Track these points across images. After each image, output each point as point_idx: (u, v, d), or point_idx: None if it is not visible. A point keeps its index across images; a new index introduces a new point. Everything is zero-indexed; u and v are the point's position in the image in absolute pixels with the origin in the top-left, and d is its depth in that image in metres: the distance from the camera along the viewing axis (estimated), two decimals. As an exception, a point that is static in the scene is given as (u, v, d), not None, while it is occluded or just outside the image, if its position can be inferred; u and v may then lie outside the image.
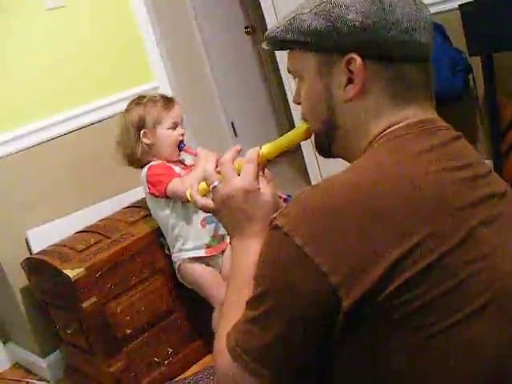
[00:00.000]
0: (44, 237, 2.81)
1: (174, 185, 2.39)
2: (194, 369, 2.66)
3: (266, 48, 1.12)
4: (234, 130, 5.07)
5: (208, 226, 2.49)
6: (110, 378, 2.50)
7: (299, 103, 1.12)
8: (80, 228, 2.82)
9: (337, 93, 1.01)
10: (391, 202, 0.87)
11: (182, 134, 2.49)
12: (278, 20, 3.87)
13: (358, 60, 0.96)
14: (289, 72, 1.11)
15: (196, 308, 2.63)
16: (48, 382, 2.96)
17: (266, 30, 3.73)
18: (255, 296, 0.93)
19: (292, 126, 4.46)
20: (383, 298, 0.83)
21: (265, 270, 0.93)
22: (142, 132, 2.47)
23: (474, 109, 3.30)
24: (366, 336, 0.87)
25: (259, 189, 1.10)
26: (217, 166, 1.15)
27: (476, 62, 2.99)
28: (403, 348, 0.86)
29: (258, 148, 1.14)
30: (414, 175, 0.90)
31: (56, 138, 2.97)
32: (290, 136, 1.19)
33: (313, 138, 1.13)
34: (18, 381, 3.07)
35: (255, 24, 5.17)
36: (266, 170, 1.20)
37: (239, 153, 1.16)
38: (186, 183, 2.34)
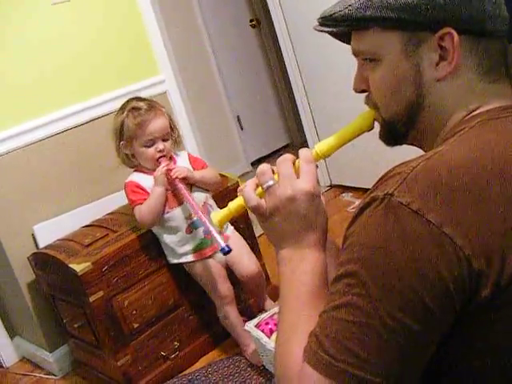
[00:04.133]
0: (50, 231, 2.82)
1: (135, 214, 2.46)
2: (201, 363, 2.67)
3: (327, 30, 1.01)
4: (240, 124, 5.06)
5: (195, 230, 2.47)
6: (117, 371, 2.50)
7: (363, 91, 1.03)
8: (86, 222, 2.83)
9: (427, 72, 0.93)
10: None
11: (160, 151, 2.43)
12: (283, 13, 3.85)
13: (456, 35, 0.88)
14: (356, 55, 1.01)
15: (203, 301, 2.62)
16: (55, 376, 2.97)
17: (272, 23, 3.76)
18: (366, 289, 0.79)
19: (298, 119, 4.45)
20: None
21: (381, 256, 0.79)
22: (121, 143, 2.47)
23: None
24: (493, 330, 0.80)
25: (320, 194, 1.00)
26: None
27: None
28: None
29: (308, 149, 1.04)
30: None
31: (62, 132, 2.97)
32: (351, 129, 1.08)
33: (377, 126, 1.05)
34: (25, 375, 3.08)
35: (260, 17, 5.16)
36: None
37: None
38: (143, 210, 2.42)
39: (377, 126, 1.06)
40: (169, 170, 2.40)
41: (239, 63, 5.08)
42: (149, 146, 2.43)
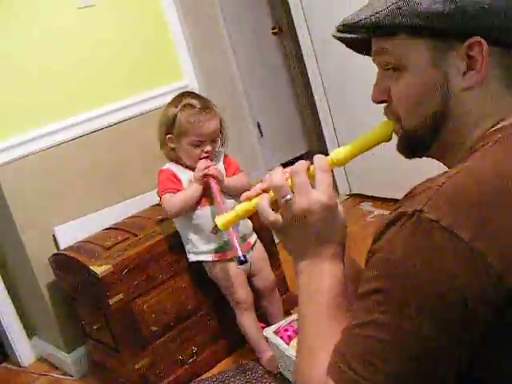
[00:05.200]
0: (71, 233, 2.84)
1: (163, 201, 2.47)
2: (218, 368, 2.67)
3: (349, 37, 0.99)
4: (260, 130, 5.07)
5: (221, 232, 2.46)
6: (135, 374, 2.51)
7: (381, 101, 1.01)
8: (107, 225, 2.85)
9: (454, 81, 0.92)
10: None
11: (207, 152, 2.44)
12: (306, 21, 3.86)
13: (485, 45, 0.88)
14: (379, 63, 1.00)
15: (222, 307, 2.63)
16: (72, 377, 2.98)
17: (294, 31, 3.75)
18: (394, 307, 0.79)
19: (318, 126, 4.46)
20: None
21: (410, 273, 0.78)
22: (167, 136, 2.47)
23: None
24: None
25: (337, 205, 0.98)
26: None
27: None
28: None
29: (323, 156, 1.01)
30: None
31: (85, 135, 2.98)
32: (368, 138, 1.06)
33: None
34: (42, 375, 3.10)
35: (282, 25, 5.17)
36: None
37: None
38: (176, 199, 2.43)
39: (394, 137, 1.05)
40: (207, 168, 2.40)
41: (261, 70, 5.09)
42: (196, 146, 2.43)
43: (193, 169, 2.46)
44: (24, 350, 3.24)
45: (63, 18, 2.95)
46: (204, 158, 2.44)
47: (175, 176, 2.49)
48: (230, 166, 2.60)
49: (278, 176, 0.98)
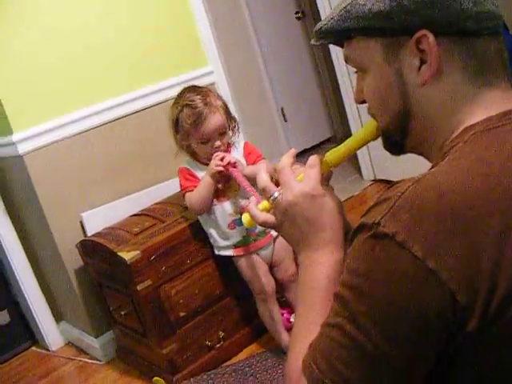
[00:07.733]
0: (98, 219, 2.86)
1: (186, 200, 2.50)
2: (244, 353, 2.69)
3: (318, 44, 1.02)
4: (284, 116, 5.06)
5: (238, 227, 2.46)
6: (163, 359, 2.53)
7: (362, 101, 1.02)
8: (134, 211, 2.87)
9: (410, 77, 0.91)
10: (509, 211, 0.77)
11: (217, 147, 2.40)
12: (330, 5, 3.84)
13: (431, 36, 0.86)
14: (350, 65, 1.02)
15: (249, 293, 2.63)
16: (100, 361, 3.02)
17: (318, 15, 3.74)
18: (352, 316, 0.80)
19: (342, 112, 4.44)
20: (509, 317, 0.76)
21: (367, 287, 0.79)
22: (177, 136, 2.47)
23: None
24: (483, 362, 0.79)
25: (324, 194, 1.00)
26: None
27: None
28: None
29: (318, 156, 1.04)
30: None
31: (112, 121, 3.00)
32: (357, 138, 1.09)
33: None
34: (70, 359, 3.14)
35: (306, 9, 5.14)
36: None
37: (295, 158, 1.06)
38: (193, 196, 2.45)
39: None
40: (221, 160, 2.36)
41: (284, 55, 5.08)
42: (205, 143, 2.41)
43: (208, 164, 2.45)
44: (52, 334, 3.29)
45: (93, 5, 2.96)
46: (217, 151, 2.41)
47: (191, 173, 2.50)
48: (251, 154, 2.56)
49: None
